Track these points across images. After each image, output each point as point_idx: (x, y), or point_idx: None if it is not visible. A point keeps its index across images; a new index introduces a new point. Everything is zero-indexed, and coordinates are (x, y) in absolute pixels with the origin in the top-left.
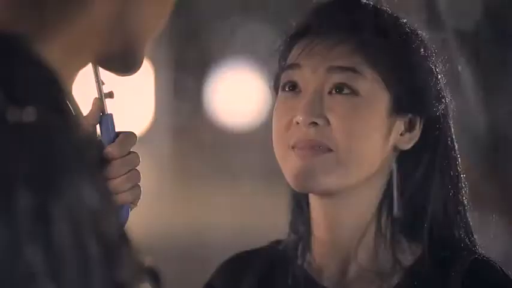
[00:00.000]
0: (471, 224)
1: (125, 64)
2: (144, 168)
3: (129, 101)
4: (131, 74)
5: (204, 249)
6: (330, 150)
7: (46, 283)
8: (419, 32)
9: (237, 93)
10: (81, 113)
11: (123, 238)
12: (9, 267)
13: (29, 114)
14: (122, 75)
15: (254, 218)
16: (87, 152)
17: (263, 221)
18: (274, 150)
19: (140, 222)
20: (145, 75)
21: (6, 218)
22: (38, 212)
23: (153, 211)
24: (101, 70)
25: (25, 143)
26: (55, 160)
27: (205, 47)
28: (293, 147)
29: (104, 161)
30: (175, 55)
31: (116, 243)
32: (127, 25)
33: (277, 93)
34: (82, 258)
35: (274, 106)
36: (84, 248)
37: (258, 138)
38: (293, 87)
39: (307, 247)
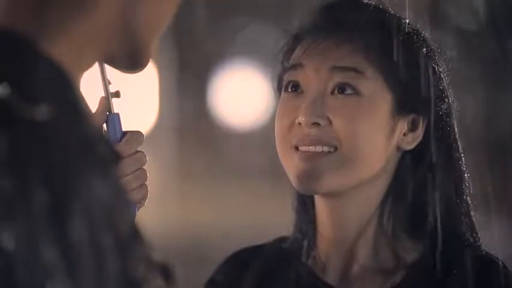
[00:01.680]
0: (475, 222)
1: (131, 62)
2: (148, 167)
3: (133, 101)
4: (138, 72)
5: (208, 249)
6: (332, 150)
7: (62, 279)
8: (421, 32)
9: (241, 93)
10: (90, 111)
11: (137, 235)
12: (27, 264)
13: (42, 113)
14: (129, 73)
15: (258, 218)
16: (99, 149)
17: (267, 221)
18: (277, 150)
19: (143, 221)
20: (149, 75)
21: (23, 216)
22: (54, 209)
23: (157, 210)
24: (107, 69)
25: (39, 141)
26: (69, 157)
27: (209, 47)
28: (296, 147)
29: (115, 158)
30: (179, 55)
31: (130, 240)
32: (133, 24)
33: (280, 93)
34: (97, 255)
35: (277, 106)
36: (99, 245)
37: (261, 138)
38: (295, 87)
39: (312, 244)
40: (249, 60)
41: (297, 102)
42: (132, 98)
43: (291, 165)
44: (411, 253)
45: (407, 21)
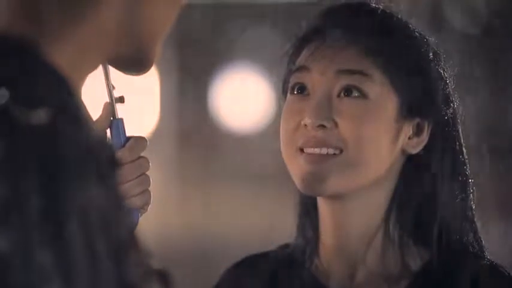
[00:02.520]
0: (479, 229)
1: (135, 64)
2: (150, 171)
3: (134, 105)
4: (142, 74)
5: (210, 253)
6: (337, 153)
7: (57, 284)
8: (427, 36)
9: (242, 97)
10: (90, 116)
11: (133, 241)
12: (22, 268)
13: (39, 117)
14: (132, 75)
15: (260, 221)
16: (98, 154)
17: (270, 224)
18: (282, 152)
19: (145, 225)
20: (151, 78)
21: (18, 220)
22: (49, 214)
23: (158, 214)
24: (111, 74)
25: (36, 146)
26: (66, 162)
27: (210, 51)
28: (301, 149)
29: (116, 164)
30: (180, 59)
31: (126, 246)
32: (136, 26)
33: (285, 96)
34: (92, 260)
35: (281, 109)
36: (94, 250)
37: (263, 141)
38: (302, 89)
39: (315, 251)
40: (250, 65)
41: (303, 104)
42: (133, 102)
43: (296, 167)
44: (416, 260)
45: (413, 25)
